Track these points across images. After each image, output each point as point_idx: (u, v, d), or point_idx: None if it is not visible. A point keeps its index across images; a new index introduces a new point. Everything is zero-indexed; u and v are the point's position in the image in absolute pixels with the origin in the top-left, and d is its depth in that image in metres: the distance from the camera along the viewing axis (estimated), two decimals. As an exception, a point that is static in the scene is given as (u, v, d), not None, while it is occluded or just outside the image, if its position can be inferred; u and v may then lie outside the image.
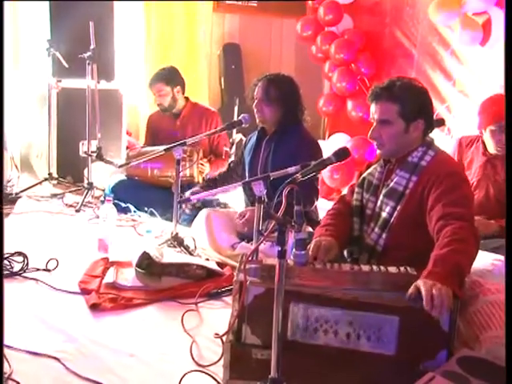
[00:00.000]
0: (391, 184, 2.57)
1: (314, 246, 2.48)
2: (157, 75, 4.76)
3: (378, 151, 2.65)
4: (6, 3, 5.21)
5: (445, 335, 2.02)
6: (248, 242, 3.41)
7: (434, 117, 2.68)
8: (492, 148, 3.32)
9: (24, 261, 3.13)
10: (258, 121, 3.64)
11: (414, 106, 2.51)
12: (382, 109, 2.53)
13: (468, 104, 4.36)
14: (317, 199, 3.61)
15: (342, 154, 2.33)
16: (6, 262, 3.10)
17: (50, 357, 2.28)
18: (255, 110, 3.59)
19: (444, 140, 4.21)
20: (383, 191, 2.60)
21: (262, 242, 2.39)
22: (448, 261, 2.12)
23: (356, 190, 2.77)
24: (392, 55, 5.51)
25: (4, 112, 4.01)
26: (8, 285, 2.96)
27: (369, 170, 2.75)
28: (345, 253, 2.72)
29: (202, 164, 4.53)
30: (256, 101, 3.58)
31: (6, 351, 2.25)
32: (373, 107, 2.58)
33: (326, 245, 2.49)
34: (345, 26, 5.85)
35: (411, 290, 2.03)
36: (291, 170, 2.73)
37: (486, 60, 4.40)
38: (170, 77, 4.75)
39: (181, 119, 4.79)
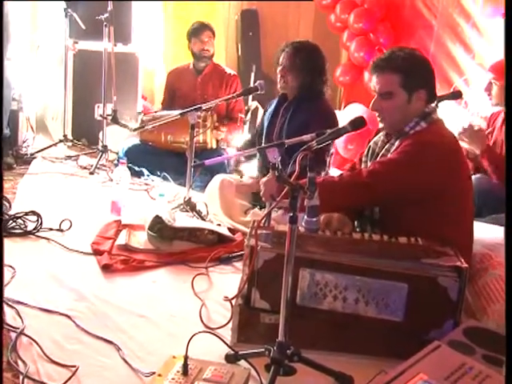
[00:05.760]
0: (382, 152, 2.57)
1: (324, 221, 2.48)
2: (203, 24, 4.79)
3: (380, 124, 2.63)
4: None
5: (452, 304, 2.04)
6: (260, 209, 3.42)
7: (452, 89, 2.65)
8: None
9: (38, 220, 3.17)
10: (279, 86, 3.62)
11: (416, 75, 2.46)
12: (384, 80, 2.48)
13: (487, 78, 4.29)
14: (323, 170, 3.58)
15: (357, 123, 2.29)
16: (20, 220, 3.15)
17: (61, 314, 2.32)
18: (279, 76, 3.58)
19: (460, 113, 4.15)
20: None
21: (274, 207, 2.38)
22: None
23: (363, 158, 2.76)
24: (412, 26, 5.41)
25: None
26: (22, 243, 3.01)
27: (375, 139, 2.73)
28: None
29: (217, 129, 4.54)
30: (280, 67, 3.56)
31: (19, 307, 2.31)
32: (374, 79, 2.53)
33: (338, 219, 2.50)
34: (365, -5, 5.74)
35: None
36: (306, 137, 2.72)
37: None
38: (213, 28, 4.82)
39: (202, 76, 4.80)
